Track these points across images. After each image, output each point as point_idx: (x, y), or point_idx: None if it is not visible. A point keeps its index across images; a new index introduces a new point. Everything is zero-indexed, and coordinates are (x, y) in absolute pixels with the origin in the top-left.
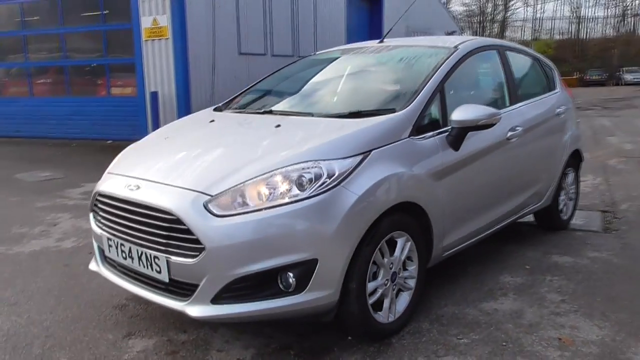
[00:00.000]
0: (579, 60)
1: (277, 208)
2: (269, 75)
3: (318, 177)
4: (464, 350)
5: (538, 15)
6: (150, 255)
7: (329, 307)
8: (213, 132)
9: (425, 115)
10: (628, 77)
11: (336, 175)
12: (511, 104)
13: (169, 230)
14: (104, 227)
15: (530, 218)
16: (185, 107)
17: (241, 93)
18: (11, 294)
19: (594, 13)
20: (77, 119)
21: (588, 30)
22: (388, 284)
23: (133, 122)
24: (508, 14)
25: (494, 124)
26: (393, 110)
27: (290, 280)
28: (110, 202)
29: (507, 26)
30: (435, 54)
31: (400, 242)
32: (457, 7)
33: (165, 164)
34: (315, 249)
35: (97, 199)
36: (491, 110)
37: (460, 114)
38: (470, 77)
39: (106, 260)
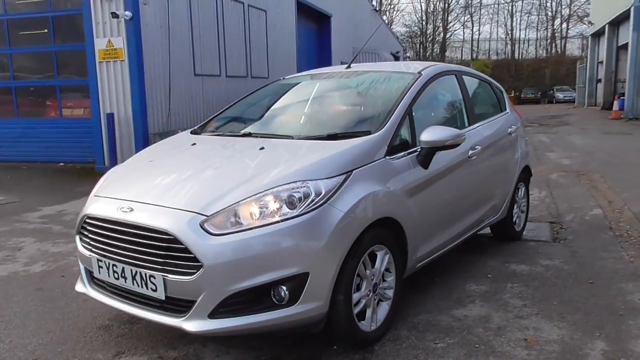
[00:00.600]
0: (515, 80)
1: (270, 226)
2: (241, 99)
3: (306, 196)
4: (442, 353)
5: (475, 36)
6: (145, 274)
7: (319, 318)
8: (197, 154)
9: (397, 136)
10: (559, 95)
11: (323, 194)
12: (470, 124)
13: (166, 250)
14: (93, 249)
15: (487, 230)
16: (142, 129)
17: (215, 116)
18: None
19: (527, 35)
20: (26, 141)
21: (522, 51)
22: (370, 295)
23: (87, 144)
24: (448, 35)
25: (459, 144)
26: (368, 132)
27: (284, 293)
28: (101, 224)
29: (447, 47)
30: (401, 79)
31: (379, 255)
32: (399, 28)
33: (155, 186)
34: (306, 263)
35: (85, 222)
36: (457, 131)
37: (428, 135)
38: (433, 100)
39: (93, 281)
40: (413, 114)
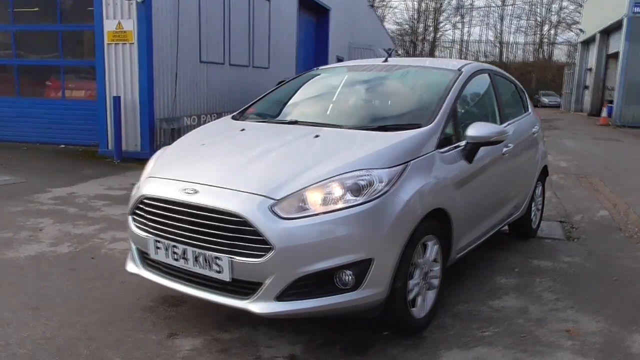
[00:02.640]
0: None
1: (337, 212)
2: (275, 89)
3: (370, 184)
4: (490, 341)
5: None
6: (209, 256)
7: (379, 304)
8: (251, 139)
9: (444, 130)
10: (545, 100)
11: (385, 182)
12: (501, 122)
13: (234, 232)
14: (150, 230)
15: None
16: (148, 113)
17: (253, 103)
18: (27, 299)
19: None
20: (26, 121)
21: (510, 54)
22: (421, 283)
23: (90, 126)
24: (438, 35)
25: (503, 141)
26: (418, 126)
27: (349, 278)
28: (160, 205)
29: (437, 46)
30: (442, 75)
31: (430, 244)
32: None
33: (217, 169)
34: (371, 249)
35: (142, 202)
36: (501, 128)
37: (475, 130)
38: (471, 97)
39: (146, 262)
40: (457, 110)
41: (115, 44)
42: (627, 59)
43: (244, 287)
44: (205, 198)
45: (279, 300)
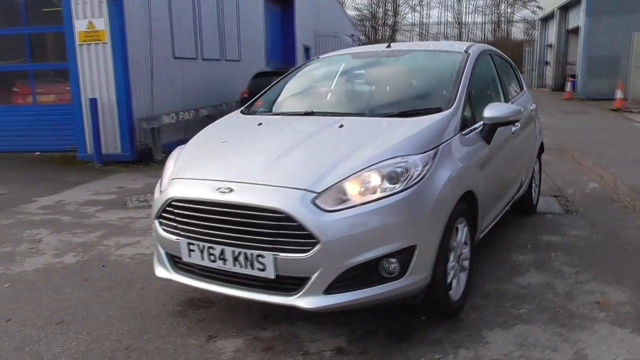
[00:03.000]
0: None
1: (378, 201)
2: (282, 79)
3: (407, 170)
4: (527, 318)
5: (425, 20)
6: (251, 254)
7: (421, 290)
8: (274, 134)
9: (464, 113)
10: None
11: (420, 168)
12: (506, 102)
13: (277, 229)
14: (181, 233)
15: None
16: (127, 114)
17: (259, 96)
18: (49, 313)
19: (474, 19)
20: None
21: (469, 34)
22: (456, 266)
23: (64, 131)
24: (398, 19)
25: (519, 120)
26: (439, 109)
27: (394, 266)
28: (192, 207)
29: (398, 30)
30: (451, 58)
31: (460, 227)
32: (349, 11)
33: (247, 165)
34: (413, 236)
35: (170, 205)
36: (517, 107)
37: (492, 111)
38: (480, 78)
39: (177, 265)
40: (471, 91)
41: (88, 44)
42: (588, 34)
43: (289, 283)
44: (243, 196)
45: (327, 294)
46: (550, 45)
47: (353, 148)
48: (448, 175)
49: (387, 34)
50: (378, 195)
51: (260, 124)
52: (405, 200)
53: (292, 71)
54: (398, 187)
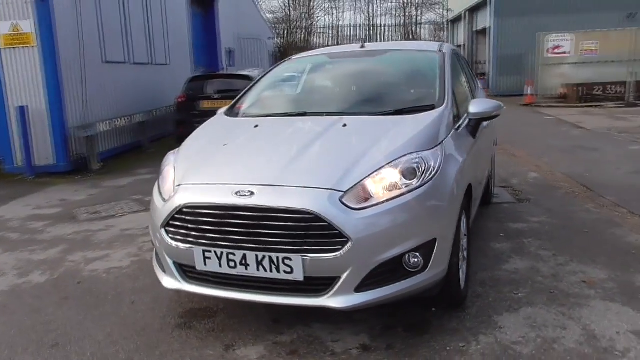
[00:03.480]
0: None
1: (400, 198)
2: (258, 81)
3: (422, 166)
4: (529, 301)
5: (339, 22)
6: (277, 258)
7: (440, 282)
8: (277, 135)
9: (452, 109)
10: None
11: (433, 163)
12: (473, 97)
13: (305, 230)
14: (195, 240)
15: None
16: (59, 122)
17: (240, 98)
18: (38, 337)
19: (385, 21)
20: None
21: (381, 36)
22: (461, 256)
23: None
24: (313, 22)
25: (500, 115)
26: (432, 107)
27: (418, 260)
28: (208, 212)
29: (313, 32)
30: (428, 56)
31: (463, 218)
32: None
33: (264, 167)
34: (434, 230)
35: (181, 212)
36: (498, 103)
37: (477, 107)
38: (455, 76)
39: (188, 275)
40: (454, 88)
41: (13, 48)
42: (497, 34)
43: (317, 284)
44: (267, 198)
45: (358, 292)
46: (460, 46)
47: (365, 146)
48: (455, 169)
49: (303, 36)
50: (400, 191)
51: (256, 126)
52: (425, 195)
53: (268, 72)
54: (416, 182)
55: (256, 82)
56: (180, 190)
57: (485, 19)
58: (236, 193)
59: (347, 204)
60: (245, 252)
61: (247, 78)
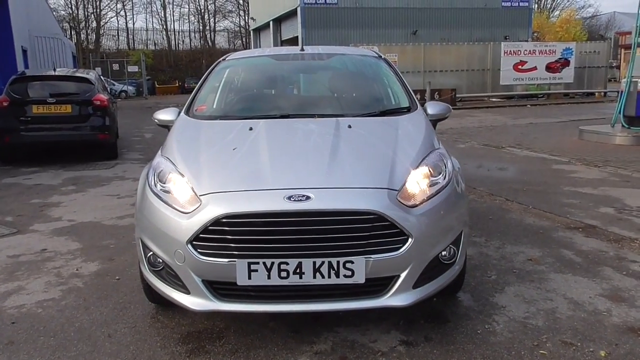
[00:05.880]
0: (174, 70)
1: (442, 192)
2: (203, 82)
3: (445, 161)
4: (504, 281)
5: (130, 25)
6: (337, 262)
7: (463, 271)
8: (290, 137)
9: None
10: None
11: (448, 159)
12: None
13: (368, 231)
14: (237, 253)
15: None
16: None
17: (194, 101)
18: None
19: (181, 27)
20: None
21: (178, 42)
22: None
23: None
24: (103, 23)
25: (449, 116)
26: (409, 109)
27: (452, 252)
28: (255, 221)
29: (103, 35)
30: (373, 60)
31: None
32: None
33: (304, 171)
34: (462, 222)
35: (217, 224)
36: (447, 105)
37: (434, 109)
38: None
39: (220, 292)
40: None
41: None
42: (305, 42)
43: (375, 285)
44: (327, 202)
45: (415, 288)
46: None
47: (388, 146)
48: (457, 164)
49: (91, 38)
50: (439, 186)
51: (250, 128)
52: (454, 190)
53: (213, 72)
54: (442, 177)
55: (204, 82)
56: (213, 200)
57: (292, 29)
58: (289, 198)
59: (402, 202)
60: (300, 259)
61: (86, 81)
